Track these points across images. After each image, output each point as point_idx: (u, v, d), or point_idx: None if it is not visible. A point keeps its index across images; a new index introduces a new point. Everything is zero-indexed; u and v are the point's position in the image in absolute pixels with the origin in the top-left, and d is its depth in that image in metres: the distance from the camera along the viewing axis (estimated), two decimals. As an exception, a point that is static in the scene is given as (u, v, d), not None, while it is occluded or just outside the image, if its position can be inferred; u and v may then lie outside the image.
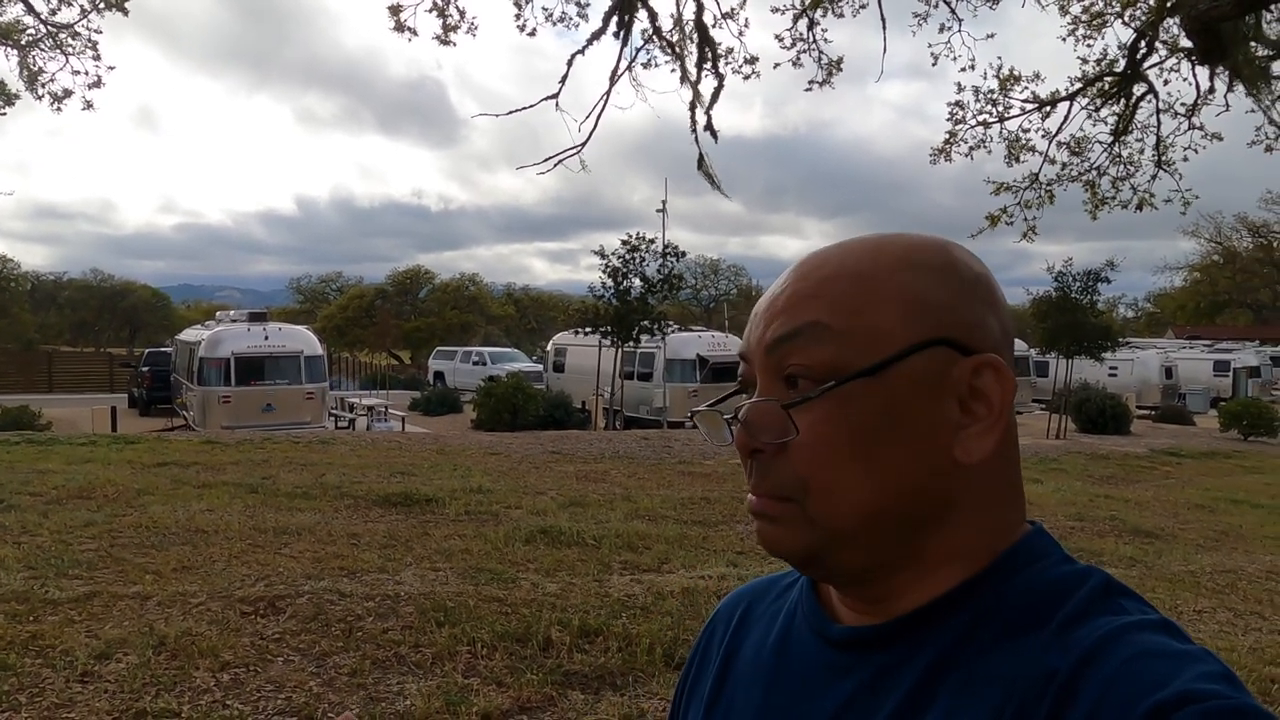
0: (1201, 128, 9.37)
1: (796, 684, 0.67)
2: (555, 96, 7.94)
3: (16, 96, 12.16)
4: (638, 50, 8.41)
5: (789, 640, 0.70)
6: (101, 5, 10.89)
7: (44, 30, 11.36)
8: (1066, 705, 0.52)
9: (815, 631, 0.68)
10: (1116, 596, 0.59)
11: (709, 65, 8.29)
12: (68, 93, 11.54)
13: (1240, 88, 7.52)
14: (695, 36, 8.28)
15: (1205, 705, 0.48)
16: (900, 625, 0.62)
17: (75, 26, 11.22)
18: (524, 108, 8.11)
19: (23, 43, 11.63)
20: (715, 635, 0.79)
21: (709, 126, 8.24)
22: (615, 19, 7.64)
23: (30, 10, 11.08)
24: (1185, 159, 9.60)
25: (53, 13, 11.19)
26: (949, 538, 0.61)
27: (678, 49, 8.22)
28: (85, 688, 3.46)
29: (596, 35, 7.69)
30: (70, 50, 11.44)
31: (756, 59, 9.17)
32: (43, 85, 11.54)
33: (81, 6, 11.06)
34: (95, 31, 11.42)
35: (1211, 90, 8.72)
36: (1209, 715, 0.48)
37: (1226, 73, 7.67)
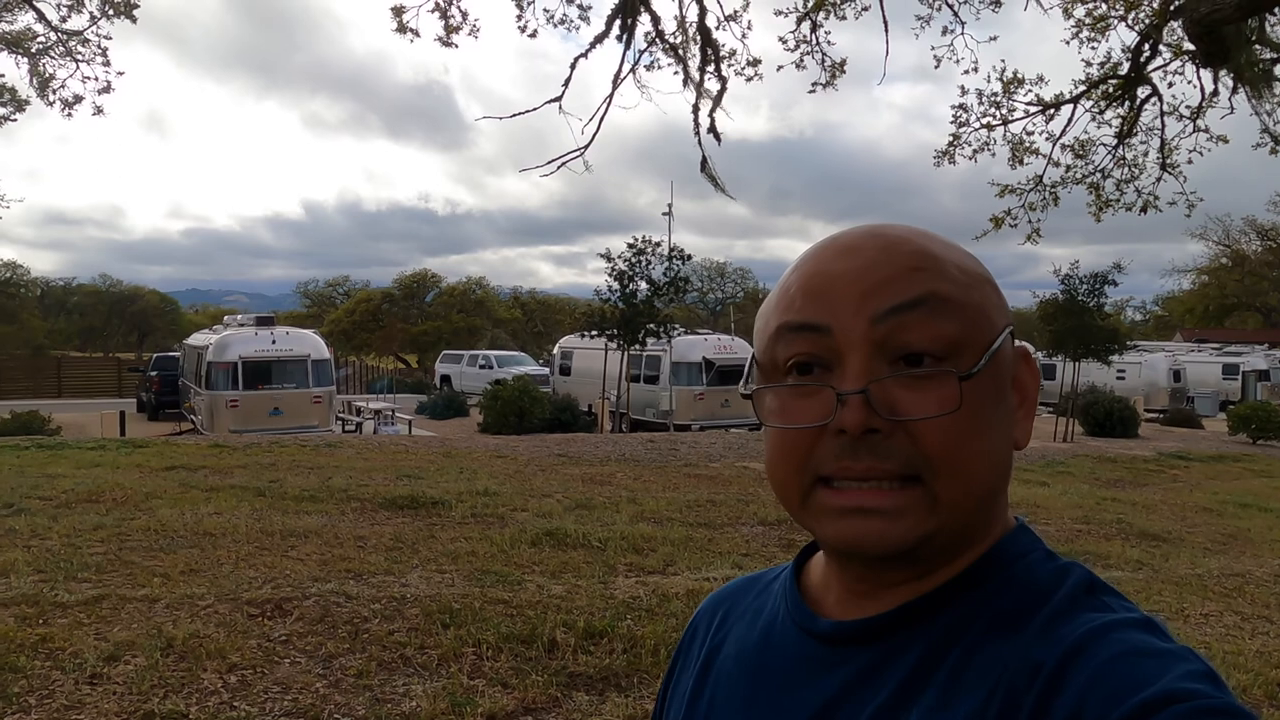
0: (1206, 130, 9.36)
1: (781, 679, 0.67)
2: (558, 99, 7.97)
3: (27, 102, 12.27)
4: (640, 53, 8.45)
5: (772, 636, 0.70)
6: (110, 12, 10.98)
7: (55, 38, 11.46)
8: (1052, 697, 0.52)
9: (800, 626, 0.68)
10: (1100, 594, 0.60)
11: (712, 68, 8.32)
12: (78, 99, 11.65)
13: (1243, 91, 7.50)
14: (698, 39, 8.31)
15: (1189, 705, 0.49)
16: (889, 620, 0.62)
17: (85, 33, 11.32)
18: (527, 111, 8.15)
19: (33, 50, 11.73)
20: (697, 635, 0.79)
21: (712, 129, 8.26)
22: (618, 22, 7.67)
23: (41, 18, 11.18)
24: (1190, 161, 9.59)
25: (63, 20, 11.30)
26: (985, 525, 0.63)
27: (680, 52, 8.25)
28: (94, 689, 3.49)
29: (599, 38, 7.73)
30: (81, 57, 11.54)
31: (759, 61, 9.20)
32: (53, 92, 11.64)
33: (91, 14, 11.16)
34: (105, 38, 11.53)
35: (1215, 93, 8.70)
36: (1193, 714, 0.48)
37: (1230, 76, 7.65)
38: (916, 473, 0.58)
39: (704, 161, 8.38)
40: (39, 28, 11.54)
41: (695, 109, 8.23)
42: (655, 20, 7.98)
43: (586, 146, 8.02)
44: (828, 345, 0.60)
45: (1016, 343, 0.65)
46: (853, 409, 0.58)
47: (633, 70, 8.07)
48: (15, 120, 12.94)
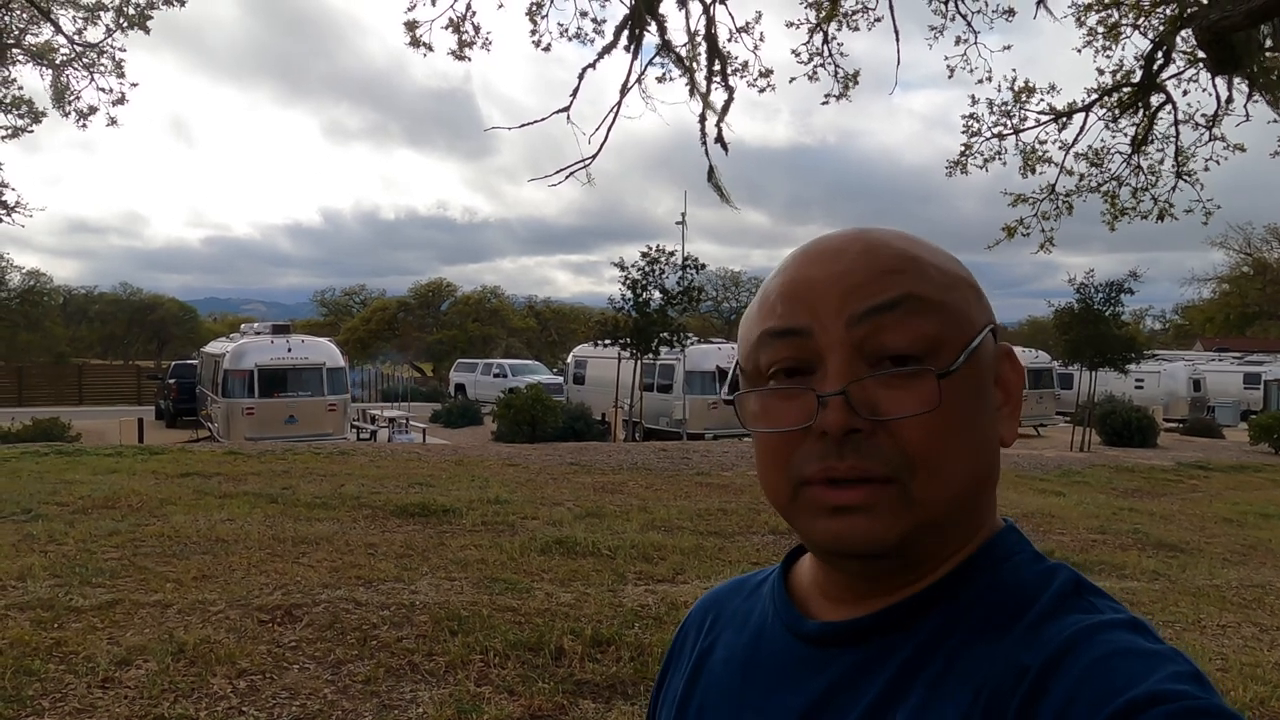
0: (1222, 138, 9.27)
1: (769, 680, 0.67)
2: (566, 110, 8.01)
3: (44, 114, 12.47)
4: (648, 63, 8.48)
5: (761, 638, 0.71)
6: (124, 24, 11.16)
7: (74, 51, 11.65)
8: (1037, 701, 0.52)
9: (788, 628, 0.68)
10: (1087, 594, 0.60)
11: (719, 78, 8.33)
12: (93, 109, 11.82)
13: (1259, 98, 7.43)
14: (706, 50, 8.32)
15: (1175, 705, 0.49)
16: (876, 621, 0.63)
17: (101, 45, 11.51)
18: (534, 121, 8.20)
19: (57, 62, 11.93)
20: (688, 639, 0.80)
21: (719, 139, 8.27)
22: (626, 32, 7.70)
23: (58, 30, 11.37)
24: (1206, 169, 9.50)
25: (78, 32, 11.49)
26: (972, 524, 0.63)
27: (688, 63, 8.27)
28: (106, 693, 3.52)
29: (608, 49, 7.77)
30: (101, 70, 11.72)
31: (771, 72, 9.21)
32: (69, 103, 11.82)
33: (107, 26, 11.34)
34: (119, 50, 11.71)
35: (1230, 100, 8.62)
36: (1178, 715, 0.48)
37: (1245, 83, 7.58)
38: (898, 471, 0.58)
39: (710, 171, 8.39)
40: (60, 40, 11.75)
41: (702, 119, 8.25)
42: (662, 31, 8.00)
43: (594, 156, 8.05)
44: (809, 348, 0.61)
45: (999, 343, 0.65)
46: (833, 410, 0.58)
47: (639, 81, 8.11)
48: (32, 132, 13.18)
